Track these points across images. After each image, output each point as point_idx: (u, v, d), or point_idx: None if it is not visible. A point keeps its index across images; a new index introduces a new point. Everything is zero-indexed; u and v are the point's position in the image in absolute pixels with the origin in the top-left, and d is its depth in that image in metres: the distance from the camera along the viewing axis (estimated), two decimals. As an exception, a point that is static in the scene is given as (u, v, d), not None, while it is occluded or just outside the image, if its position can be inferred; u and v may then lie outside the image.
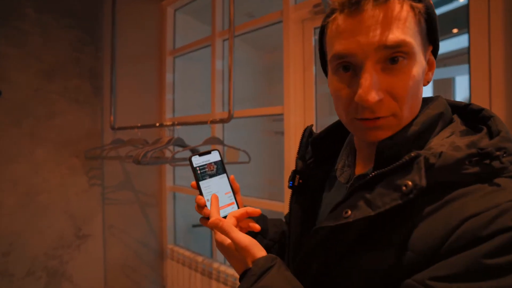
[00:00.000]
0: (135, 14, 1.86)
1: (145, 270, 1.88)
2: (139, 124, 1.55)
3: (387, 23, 0.34)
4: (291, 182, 0.53)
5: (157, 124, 1.46)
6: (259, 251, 0.42)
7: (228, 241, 0.44)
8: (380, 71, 0.36)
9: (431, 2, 0.37)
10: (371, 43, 0.34)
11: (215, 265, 1.61)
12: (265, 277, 0.39)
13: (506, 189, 0.31)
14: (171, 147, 1.70)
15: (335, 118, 0.53)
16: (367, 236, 0.37)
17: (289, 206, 0.54)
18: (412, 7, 0.35)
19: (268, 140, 2.37)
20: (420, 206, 0.34)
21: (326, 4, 1.21)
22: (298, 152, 0.54)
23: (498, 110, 0.90)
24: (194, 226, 2.12)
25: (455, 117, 0.41)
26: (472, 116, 0.41)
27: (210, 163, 0.53)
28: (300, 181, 0.52)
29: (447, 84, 2.13)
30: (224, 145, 1.38)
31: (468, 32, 0.99)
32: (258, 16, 1.56)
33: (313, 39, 1.34)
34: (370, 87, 0.35)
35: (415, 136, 0.38)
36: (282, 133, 1.38)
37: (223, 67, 1.72)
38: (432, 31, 0.38)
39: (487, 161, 0.32)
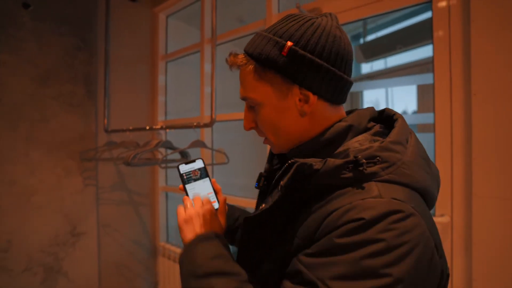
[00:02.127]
0: (128, 21, 1.93)
1: (138, 267, 1.95)
2: (131, 127, 1.62)
3: (240, 83, 0.49)
4: (256, 183, 0.62)
5: (147, 128, 1.54)
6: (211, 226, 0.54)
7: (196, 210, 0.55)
8: (249, 110, 0.51)
9: (270, 53, 0.44)
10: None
11: (204, 261, 1.69)
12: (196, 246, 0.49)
13: (365, 190, 0.39)
14: (162, 149, 1.77)
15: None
16: (273, 228, 0.47)
17: (256, 205, 0.64)
18: (249, 64, 0.47)
19: (259, 142, 2.43)
20: (311, 203, 0.43)
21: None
22: (267, 158, 0.64)
23: (457, 110, 0.97)
24: (186, 224, 2.18)
25: (376, 126, 0.48)
26: (387, 119, 0.51)
27: (195, 169, 0.63)
28: (265, 182, 0.60)
29: (431, 90, 2.21)
30: (206, 147, 1.46)
31: (432, 43, 1.07)
32: (248, 21, 1.63)
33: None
34: (244, 119, 0.52)
35: (321, 145, 0.47)
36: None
37: (212, 72, 1.79)
38: (288, 75, 0.44)
39: (360, 168, 0.39)
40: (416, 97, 2.41)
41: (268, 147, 0.64)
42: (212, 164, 1.69)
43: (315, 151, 0.47)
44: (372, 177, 0.40)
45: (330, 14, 0.48)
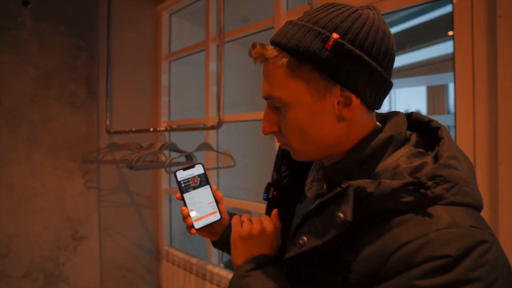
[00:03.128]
0: (131, 19, 1.89)
1: (140, 271, 1.91)
2: (133, 129, 1.57)
3: (265, 79, 0.42)
4: (265, 195, 0.55)
5: (151, 129, 1.49)
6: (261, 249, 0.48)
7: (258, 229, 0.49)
8: (272, 111, 0.43)
9: (310, 46, 0.37)
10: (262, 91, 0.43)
11: (209, 267, 1.64)
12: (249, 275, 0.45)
13: (435, 218, 0.33)
14: (165, 151, 1.72)
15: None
16: (320, 262, 0.40)
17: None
18: (284, 58, 0.39)
19: (263, 143, 2.39)
20: (364, 232, 0.36)
21: (316, 11, 1.23)
22: (275, 164, 0.56)
23: (480, 114, 0.91)
24: (190, 228, 2.14)
25: (414, 136, 0.42)
26: (433, 134, 0.42)
27: (194, 176, 0.58)
28: (275, 193, 0.54)
29: (441, 91, 2.14)
30: (213, 150, 1.41)
31: (453, 39, 1.01)
32: (252, 20, 1.58)
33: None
34: (263, 121, 0.44)
35: (360, 161, 0.40)
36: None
37: (217, 71, 1.75)
38: (325, 72, 0.38)
39: (422, 191, 0.34)
40: (426, 98, 2.34)
41: (276, 150, 0.58)
42: (218, 168, 1.64)
43: (353, 168, 0.40)
44: (437, 200, 0.34)
45: (374, 7, 0.42)
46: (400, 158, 0.38)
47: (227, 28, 1.63)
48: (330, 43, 0.36)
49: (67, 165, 1.58)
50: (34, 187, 1.48)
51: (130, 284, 1.84)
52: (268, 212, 0.55)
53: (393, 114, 0.44)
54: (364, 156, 0.40)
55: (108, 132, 1.69)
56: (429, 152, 0.39)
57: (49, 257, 1.51)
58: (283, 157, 0.55)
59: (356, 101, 0.39)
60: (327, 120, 0.40)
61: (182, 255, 1.81)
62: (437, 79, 1.68)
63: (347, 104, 0.39)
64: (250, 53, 0.41)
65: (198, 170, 0.58)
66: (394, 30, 2.23)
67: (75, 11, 1.61)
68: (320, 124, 0.40)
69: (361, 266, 0.35)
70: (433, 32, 1.82)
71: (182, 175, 0.57)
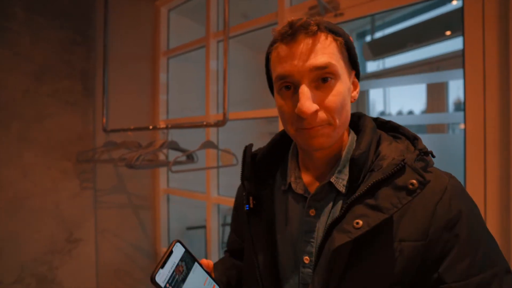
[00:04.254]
0: (128, 14, 1.83)
1: (138, 274, 1.85)
2: (132, 127, 1.52)
3: (316, 50, 0.44)
4: (247, 206, 0.53)
5: (151, 127, 1.44)
6: None
7: None
8: (314, 88, 0.44)
9: (349, 37, 0.49)
10: (305, 66, 0.43)
11: (210, 268, 1.60)
12: None
13: (437, 172, 0.46)
14: (165, 150, 1.67)
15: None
16: (372, 243, 0.43)
17: (248, 231, 0.53)
18: (335, 39, 0.46)
19: (264, 141, 2.36)
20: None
21: (323, 7, 1.21)
22: (243, 173, 0.55)
23: (491, 113, 0.90)
24: (188, 228, 2.10)
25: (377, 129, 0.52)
26: (381, 125, 0.55)
27: (177, 265, 0.44)
28: (254, 202, 0.53)
29: (441, 89, 2.15)
30: (218, 149, 1.37)
31: (463, 35, 1.00)
32: (253, 17, 1.55)
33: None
34: (306, 100, 0.43)
35: (369, 148, 0.48)
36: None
37: (218, 69, 1.71)
38: (352, 59, 0.49)
39: (427, 157, 0.46)
40: (426, 96, 2.35)
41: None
42: (218, 167, 1.60)
43: (368, 155, 0.48)
44: (431, 163, 0.47)
45: None
46: (391, 143, 0.49)
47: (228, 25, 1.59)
48: (352, 40, 0.49)
49: (62, 164, 1.52)
50: (26, 188, 1.41)
51: (127, 286, 1.79)
52: (250, 223, 0.53)
53: (359, 114, 0.55)
54: (370, 143, 0.48)
55: (105, 130, 1.63)
56: (399, 136, 0.51)
57: (43, 260, 1.45)
58: (251, 164, 0.55)
59: (358, 87, 0.52)
60: (349, 99, 0.49)
61: (181, 257, 1.76)
62: (437, 77, 1.68)
63: (355, 87, 0.51)
64: (300, 27, 0.43)
65: (178, 252, 0.44)
66: (392, 29, 2.23)
67: (70, 3, 1.55)
68: (349, 101, 0.48)
69: (411, 231, 0.42)
70: (434, 30, 1.82)
71: (163, 276, 0.41)
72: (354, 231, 0.40)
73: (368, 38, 2.43)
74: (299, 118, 0.44)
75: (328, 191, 0.49)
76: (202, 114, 1.73)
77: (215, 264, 0.62)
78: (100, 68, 1.66)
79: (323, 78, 0.44)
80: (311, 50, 0.43)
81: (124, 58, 1.79)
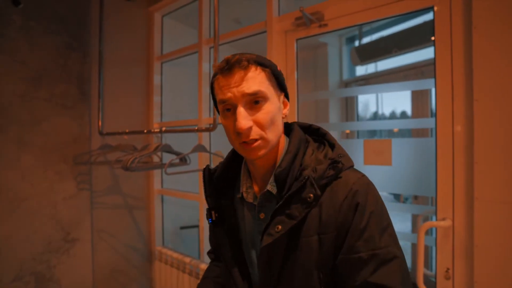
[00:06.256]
0: (123, 20, 1.88)
1: (133, 272, 1.91)
2: (127, 130, 1.58)
3: (247, 79, 0.54)
4: (210, 219, 0.66)
5: (145, 131, 1.50)
6: None
7: None
8: (248, 109, 0.55)
9: (277, 67, 0.59)
10: (239, 92, 0.54)
11: (203, 266, 1.66)
12: None
13: (348, 176, 0.56)
14: (159, 153, 1.73)
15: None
16: (296, 239, 0.55)
17: (215, 239, 0.68)
18: (263, 70, 0.56)
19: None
20: (315, 204, 0.55)
21: (307, 18, 1.28)
22: (205, 191, 0.66)
23: (458, 117, 0.99)
24: (182, 228, 2.16)
25: (307, 137, 0.63)
26: (313, 132, 0.65)
27: None
28: (216, 214, 0.65)
29: (424, 95, 2.24)
30: (210, 153, 1.43)
31: (434, 45, 1.08)
32: (244, 22, 1.61)
33: (295, 49, 1.41)
34: (242, 119, 0.53)
35: (292, 160, 0.58)
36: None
37: (210, 74, 1.77)
38: (280, 84, 0.60)
39: (337, 165, 0.55)
40: (410, 102, 2.44)
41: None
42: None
43: (289, 168, 0.58)
44: (345, 168, 0.57)
45: None
46: (313, 153, 0.60)
47: (220, 30, 1.66)
48: (279, 69, 0.60)
49: (59, 167, 1.57)
50: (24, 189, 1.46)
51: (122, 285, 1.84)
52: (216, 232, 0.66)
53: (289, 124, 0.66)
54: (293, 156, 0.58)
55: (101, 133, 1.68)
56: (324, 143, 0.61)
57: (41, 260, 1.50)
58: (210, 182, 0.66)
59: (288, 105, 0.63)
60: (280, 115, 0.59)
61: (175, 255, 1.83)
62: (420, 84, 1.77)
63: (285, 106, 0.62)
64: (234, 62, 0.54)
65: None
66: (380, 34, 2.32)
67: (66, 10, 1.60)
68: (279, 117, 0.58)
69: (327, 225, 0.53)
70: (418, 37, 1.91)
71: None
72: (275, 234, 0.53)
73: (356, 43, 2.52)
74: (239, 133, 0.54)
75: (269, 198, 0.59)
76: (195, 117, 1.79)
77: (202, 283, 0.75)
78: (95, 73, 1.72)
79: (255, 101, 0.54)
80: (243, 79, 0.54)
81: (119, 63, 1.85)
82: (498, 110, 0.90)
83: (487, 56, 0.91)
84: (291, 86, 1.41)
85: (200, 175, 1.74)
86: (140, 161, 1.31)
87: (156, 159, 1.82)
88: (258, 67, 0.56)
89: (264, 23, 1.47)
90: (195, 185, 1.79)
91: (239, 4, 2.02)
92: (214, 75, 0.58)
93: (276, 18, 1.44)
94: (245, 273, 0.63)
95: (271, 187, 0.58)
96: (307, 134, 0.65)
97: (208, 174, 0.67)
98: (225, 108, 0.56)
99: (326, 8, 1.27)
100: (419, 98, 2.30)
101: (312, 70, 2.11)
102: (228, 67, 0.54)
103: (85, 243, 1.66)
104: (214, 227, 0.66)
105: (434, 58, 1.08)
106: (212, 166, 1.72)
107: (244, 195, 0.63)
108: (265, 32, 1.48)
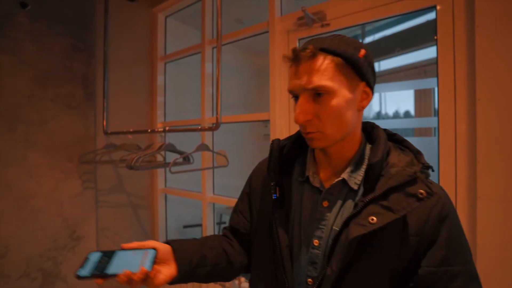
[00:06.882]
0: (127, 21, 1.91)
1: (138, 270, 1.93)
2: (131, 130, 1.60)
3: (311, 73, 0.51)
4: (275, 195, 0.60)
5: (149, 130, 1.52)
6: None
7: None
8: (311, 101, 0.53)
9: (354, 54, 0.52)
10: (301, 85, 0.52)
11: (206, 264, 1.68)
12: None
13: (434, 185, 0.54)
14: (163, 152, 1.75)
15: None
16: (384, 236, 0.51)
17: (272, 217, 0.59)
18: (332, 60, 0.51)
19: (260, 143, 2.44)
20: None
21: (309, 18, 1.29)
22: (270, 165, 0.61)
23: (461, 116, 0.99)
24: (185, 227, 2.18)
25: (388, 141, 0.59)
26: (389, 137, 0.62)
27: (99, 261, 0.53)
28: (279, 191, 0.60)
29: (428, 94, 2.23)
30: (213, 152, 1.45)
31: (437, 44, 1.08)
32: (246, 22, 1.62)
33: (297, 49, 1.42)
34: (299, 111, 0.52)
35: (383, 156, 0.55)
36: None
37: (213, 74, 1.78)
38: (358, 71, 0.53)
39: (427, 171, 0.54)
40: (413, 101, 2.43)
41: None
42: (213, 167, 1.68)
43: (381, 163, 0.56)
44: (428, 175, 0.55)
45: None
46: (400, 155, 0.56)
47: (222, 31, 1.67)
48: (361, 54, 0.53)
49: (64, 166, 1.60)
50: (31, 188, 1.49)
51: (127, 282, 1.87)
52: (275, 211, 0.59)
53: (372, 124, 0.63)
54: (383, 153, 0.56)
55: (105, 133, 1.70)
56: (404, 148, 0.58)
57: (47, 256, 1.53)
58: (278, 158, 0.62)
59: (371, 95, 0.56)
60: (353, 109, 0.54)
61: (178, 253, 1.84)
62: (423, 83, 1.77)
63: (367, 97, 0.56)
64: (298, 52, 0.51)
65: (94, 257, 0.54)
66: (382, 34, 2.31)
67: (72, 12, 1.62)
68: (350, 111, 0.54)
69: (413, 228, 0.51)
70: (421, 36, 1.90)
71: (86, 271, 0.51)
72: (369, 225, 0.49)
73: (359, 42, 2.51)
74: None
75: (341, 187, 0.56)
76: (198, 116, 1.81)
77: (206, 237, 0.71)
78: (100, 73, 1.74)
79: (317, 93, 0.52)
80: (305, 72, 0.51)
81: (123, 64, 1.87)
82: (501, 109, 0.89)
83: (490, 55, 0.91)
84: (294, 85, 1.41)
85: (204, 174, 1.75)
86: (144, 160, 1.33)
87: (159, 158, 1.84)
88: (328, 56, 0.51)
89: (266, 23, 1.48)
90: (198, 184, 1.81)
91: (241, 5, 2.03)
92: (290, 64, 0.56)
93: (278, 18, 1.45)
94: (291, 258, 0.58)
95: (348, 177, 0.56)
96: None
97: (278, 148, 0.62)
98: (292, 97, 0.56)
99: (328, 8, 1.28)
100: (422, 97, 2.28)
101: (314, 70, 2.11)
102: (294, 57, 0.52)
103: (90, 240, 1.69)
104: (273, 205, 0.60)
105: (437, 57, 1.08)
106: (216, 164, 1.73)
107: (311, 178, 0.60)
108: (267, 32, 1.49)
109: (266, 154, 0.65)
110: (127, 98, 1.89)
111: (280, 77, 1.44)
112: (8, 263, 1.40)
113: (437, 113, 1.08)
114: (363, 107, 0.56)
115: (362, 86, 0.55)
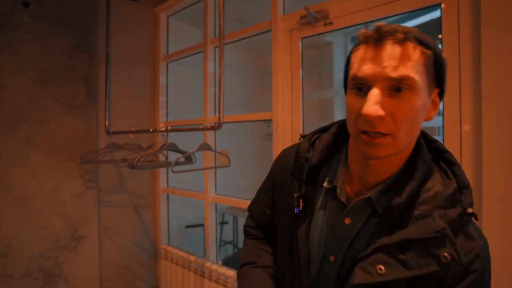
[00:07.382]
0: (129, 21, 1.90)
1: (139, 270, 1.93)
2: (133, 129, 1.60)
3: (397, 59, 0.41)
4: (297, 209, 0.54)
5: (151, 130, 1.52)
6: None
7: None
8: (386, 95, 0.42)
9: (441, 51, 0.45)
10: (382, 73, 0.41)
11: (208, 264, 1.68)
12: None
13: (474, 230, 0.46)
14: (165, 151, 1.75)
15: (322, 124, 0.61)
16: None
17: (293, 230, 0.54)
18: (423, 52, 0.43)
19: (262, 143, 2.43)
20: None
21: (312, 17, 1.28)
22: (294, 173, 0.55)
23: (466, 116, 0.98)
24: (187, 226, 2.17)
25: (429, 156, 0.50)
26: (432, 149, 0.52)
27: None
28: (302, 203, 0.54)
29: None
30: (215, 151, 1.44)
31: (441, 43, 1.07)
32: (248, 22, 1.61)
33: (300, 48, 1.41)
34: (374, 103, 0.41)
35: (417, 190, 0.46)
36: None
37: (215, 73, 1.78)
38: (439, 75, 0.45)
39: (469, 218, 0.45)
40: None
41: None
42: (216, 167, 1.67)
43: (415, 186, 0.47)
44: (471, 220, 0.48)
45: None
46: (440, 185, 0.46)
47: (225, 30, 1.66)
48: (444, 55, 0.45)
49: (66, 165, 1.59)
50: (33, 188, 1.49)
51: (128, 283, 1.86)
52: (296, 225, 0.54)
53: (421, 145, 0.52)
54: (419, 184, 0.47)
55: (107, 132, 1.70)
56: (450, 176, 0.48)
57: (49, 256, 1.53)
58: (303, 165, 0.54)
59: (438, 106, 0.47)
60: (422, 116, 0.45)
61: (180, 253, 1.84)
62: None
63: (435, 107, 0.47)
64: (387, 32, 0.42)
65: None
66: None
67: (74, 12, 1.62)
68: (421, 117, 0.45)
69: (427, 281, 0.43)
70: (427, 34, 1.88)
71: None
72: (375, 275, 0.43)
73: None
74: (363, 120, 0.42)
75: (366, 206, 0.49)
76: (200, 116, 1.80)
77: (265, 265, 0.64)
78: (102, 73, 1.74)
79: (397, 87, 0.41)
80: (393, 59, 0.41)
81: (125, 63, 1.87)
82: (507, 109, 0.88)
83: (496, 54, 0.89)
84: (297, 85, 1.41)
85: (206, 174, 1.75)
86: (146, 160, 1.33)
87: (161, 158, 1.84)
88: (418, 46, 0.42)
89: (269, 22, 1.47)
90: (200, 184, 1.80)
91: (243, 4, 2.03)
92: (356, 45, 0.45)
93: (281, 17, 1.44)
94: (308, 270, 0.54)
95: (376, 197, 0.48)
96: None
97: (304, 156, 0.54)
98: (355, 86, 0.44)
99: (331, 7, 1.27)
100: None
101: (317, 69, 2.10)
102: (377, 37, 0.42)
103: (92, 240, 1.69)
104: (295, 218, 0.54)
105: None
106: (218, 164, 1.73)
107: (338, 190, 0.52)
108: (270, 31, 1.48)
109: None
110: (129, 97, 1.89)
111: (282, 77, 1.43)
112: (10, 263, 1.40)
113: (441, 113, 1.07)
114: (430, 118, 0.46)
115: (435, 93, 0.46)
